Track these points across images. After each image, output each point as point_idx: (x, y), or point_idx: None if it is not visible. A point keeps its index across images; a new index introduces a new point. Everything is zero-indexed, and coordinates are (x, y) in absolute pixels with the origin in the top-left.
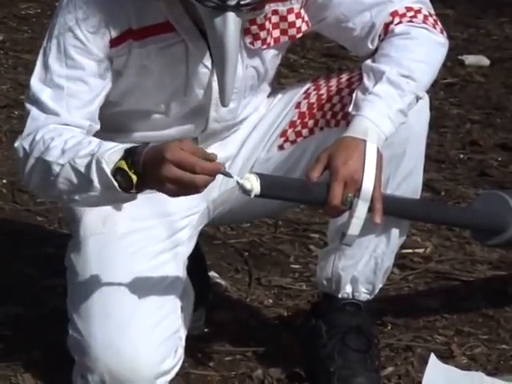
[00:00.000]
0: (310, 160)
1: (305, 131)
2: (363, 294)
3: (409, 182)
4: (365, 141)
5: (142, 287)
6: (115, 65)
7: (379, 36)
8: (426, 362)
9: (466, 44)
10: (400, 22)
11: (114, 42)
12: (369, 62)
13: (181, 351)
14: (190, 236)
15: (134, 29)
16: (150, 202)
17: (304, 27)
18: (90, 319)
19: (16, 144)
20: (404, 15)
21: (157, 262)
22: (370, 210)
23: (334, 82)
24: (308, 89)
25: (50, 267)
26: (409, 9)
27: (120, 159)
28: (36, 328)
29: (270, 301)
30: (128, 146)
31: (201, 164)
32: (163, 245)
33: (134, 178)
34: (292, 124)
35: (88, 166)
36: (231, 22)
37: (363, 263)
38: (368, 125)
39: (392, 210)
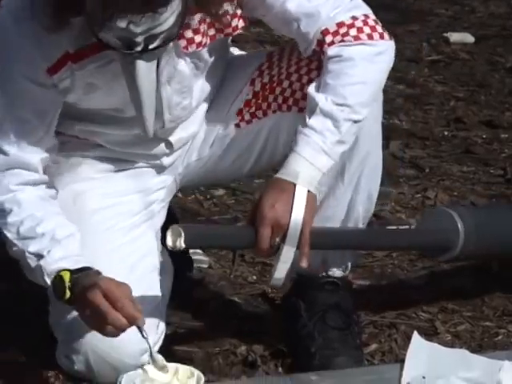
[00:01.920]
0: (264, 142)
1: (259, 112)
2: (337, 272)
3: (368, 164)
4: (295, 184)
5: (119, 263)
6: (61, 87)
7: (314, 50)
8: (409, 339)
9: (450, 21)
10: (332, 43)
11: (52, 70)
12: (311, 88)
13: (163, 326)
14: (160, 209)
15: (71, 52)
16: (123, 176)
17: (241, 24)
18: None
19: None
20: (336, 33)
21: (131, 236)
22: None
23: (284, 63)
24: (262, 65)
25: None
26: (340, 25)
27: (65, 270)
28: (19, 305)
29: (254, 277)
30: (77, 265)
31: (124, 303)
32: (136, 219)
33: (68, 294)
34: (247, 103)
35: (35, 268)
36: (141, 68)
37: None
38: (301, 166)
39: (329, 245)
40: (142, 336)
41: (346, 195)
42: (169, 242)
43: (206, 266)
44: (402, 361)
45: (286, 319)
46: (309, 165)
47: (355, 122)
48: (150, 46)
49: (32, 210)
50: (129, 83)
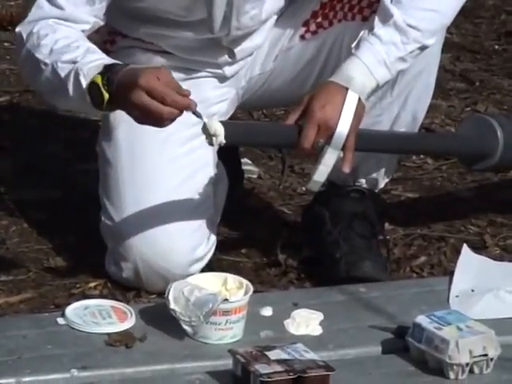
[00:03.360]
0: (327, 55)
1: (325, 22)
2: (365, 185)
3: (419, 82)
4: (347, 88)
5: (175, 173)
6: None
7: None
8: (458, 252)
9: None
10: None
11: None
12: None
13: (214, 238)
14: None
15: None
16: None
17: None
18: (122, 207)
19: (17, 29)
20: None
21: (188, 148)
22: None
23: None
24: None
25: (86, 151)
26: None
27: (97, 74)
28: (70, 212)
29: (303, 188)
30: (108, 61)
31: (171, 96)
32: (194, 130)
33: (106, 96)
34: (314, 14)
35: (67, 75)
36: None
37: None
38: (357, 71)
39: (370, 147)
40: (197, 116)
41: (393, 108)
42: (208, 137)
43: (255, 176)
44: (451, 273)
45: (309, 228)
46: (367, 72)
47: (421, 47)
48: None
49: (67, 33)
50: None
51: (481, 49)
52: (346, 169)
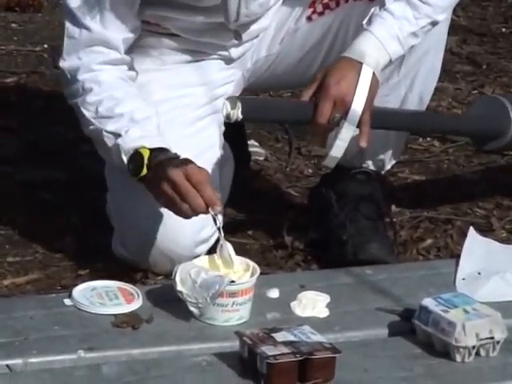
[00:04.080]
0: (334, 36)
1: (331, 3)
2: (371, 167)
3: (425, 62)
4: (361, 63)
5: (181, 154)
6: None
7: None
8: (465, 235)
9: None
10: None
11: None
12: None
13: (220, 218)
14: None
15: None
16: (189, 68)
17: None
18: (128, 189)
19: (60, 63)
20: None
21: (194, 129)
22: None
23: None
24: None
25: None
26: None
27: (147, 148)
28: (77, 193)
29: (310, 170)
30: (149, 143)
31: (192, 197)
32: (201, 111)
33: (145, 172)
34: None
35: (111, 147)
36: None
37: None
38: (371, 46)
39: (383, 124)
40: (215, 224)
41: (400, 89)
42: (226, 112)
43: (262, 158)
44: (458, 256)
45: (315, 211)
46: (380, 46)
47: (432, 22)
48: None
49: (111, 91)
50: None
51: (488, 32)
52: (363, 143)
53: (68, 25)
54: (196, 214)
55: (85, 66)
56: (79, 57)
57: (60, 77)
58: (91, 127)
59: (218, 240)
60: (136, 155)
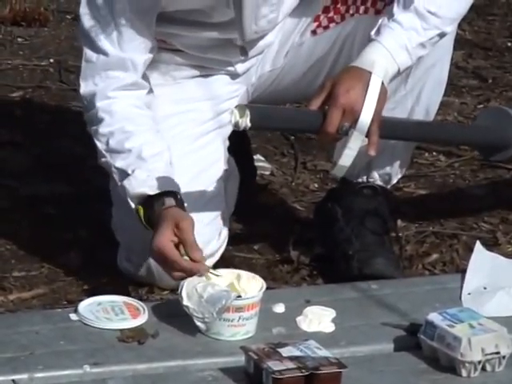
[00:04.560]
0: (338, 50)
1: (337, 17)
2: (378, 181)
3: (432, 74)
4: (370, 73)
5: (185, 169)
6: None
7: None
8: (470, 250)
9: None
10: None
11: None
12: None
13: (225, 233)
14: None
15: None
16: (195, 83)
17: None
18: None
19: (80, 89)
20: None
21: (199, 144)
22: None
23: None
24: None
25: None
26: None
27: (140, 206)
28: (82, 208)
29: (316, 185)
30: (153, 190)
31: (179, 265)
32: (206, 126)
33: (145, 224)
34: (325, 9)
35: (119, 185)
36: None
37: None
38: (380, 56)
39: (391, 134)
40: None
41: (406, 102)
42: (234, 120)
43: (268, 173)
44: (463, 271)
45: (321, 225)
46: (389, 57)
47: (440, 34)
48: None
49: (123, 123)
50: None
51: (493, 46)
52: (372, 152)
53: (85, 49)
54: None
55: (101, 92)
56: (95, 82)
57: (71, 95)
58: (103, 159)
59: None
60: (136, 211)
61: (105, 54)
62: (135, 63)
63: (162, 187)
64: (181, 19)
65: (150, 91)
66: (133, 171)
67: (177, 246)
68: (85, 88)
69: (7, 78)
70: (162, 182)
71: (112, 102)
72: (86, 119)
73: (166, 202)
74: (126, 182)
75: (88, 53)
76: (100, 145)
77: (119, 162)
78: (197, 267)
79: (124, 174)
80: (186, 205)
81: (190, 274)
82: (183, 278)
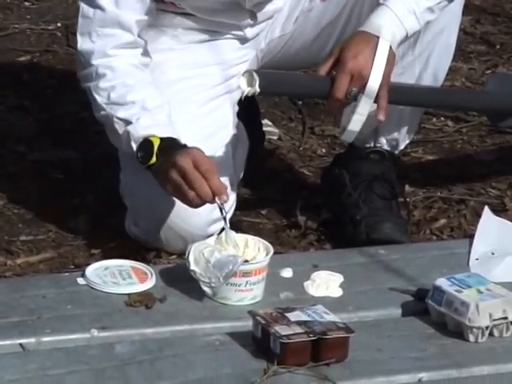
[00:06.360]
0: (348, 15)
1: None
2: (385, 146)
3: (440, 40)
4: (378, 37)
5: (194, 134)
6: None
7: None
8: (478, 215)
9: None
10: None
11: None
12: None
13: (233, 198)
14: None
15: None
16: (204, 48)
17: None
18: (141, 168)
19: (77, 44)
20: None
21: (207, 109)
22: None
23: None
24: None
25: None
26: None
27: (158, 137)
28: (89, 173)
29: (323, 150)
30: (159, 132)
31: (199, 185)
32: (215, 91)
33: (154, 160)
34: None
35: (121, 134)
36: None
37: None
38: (387, 20)
39: (400, 99)
40: (221, 213)
41: (414, 67)
42: (243, 86)
43: (275, 137)
44: (471, 236)
45: (328, 190)
46: (397, 21)
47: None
48: None
49: (124, 78)
50: None
51: (501, 11)
52: (381, 116)
53: (82, 4)
54: (202, 202)
55: (99, 50)
56: (92, 40)
57: (75, 58)
58: (102, 112)
59: (222, 229)
60: (146, 143)
61: (101, 9)
62: (131, 22)
63: (170, 134)
64: None
65: (148, 54)
66: (137, 119)
67: None
68: (82, 44)
69: (14, 42)
70: (168, 129)
71: (112, 59)
72: (81, 76)
73: (178, 143)
74: (130, 127)
75: (85, 8)
76: (100, 99)
77: (122, 113)
78: (225, 188)
79: (127, 122)
80: None
81: (204, 197)
82: (201, 205)
